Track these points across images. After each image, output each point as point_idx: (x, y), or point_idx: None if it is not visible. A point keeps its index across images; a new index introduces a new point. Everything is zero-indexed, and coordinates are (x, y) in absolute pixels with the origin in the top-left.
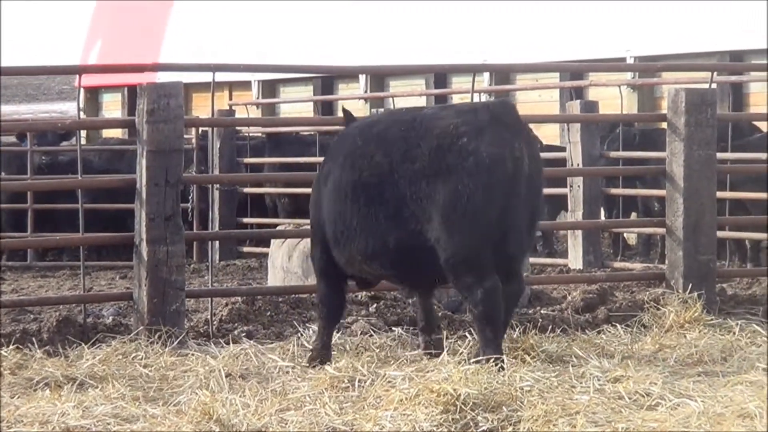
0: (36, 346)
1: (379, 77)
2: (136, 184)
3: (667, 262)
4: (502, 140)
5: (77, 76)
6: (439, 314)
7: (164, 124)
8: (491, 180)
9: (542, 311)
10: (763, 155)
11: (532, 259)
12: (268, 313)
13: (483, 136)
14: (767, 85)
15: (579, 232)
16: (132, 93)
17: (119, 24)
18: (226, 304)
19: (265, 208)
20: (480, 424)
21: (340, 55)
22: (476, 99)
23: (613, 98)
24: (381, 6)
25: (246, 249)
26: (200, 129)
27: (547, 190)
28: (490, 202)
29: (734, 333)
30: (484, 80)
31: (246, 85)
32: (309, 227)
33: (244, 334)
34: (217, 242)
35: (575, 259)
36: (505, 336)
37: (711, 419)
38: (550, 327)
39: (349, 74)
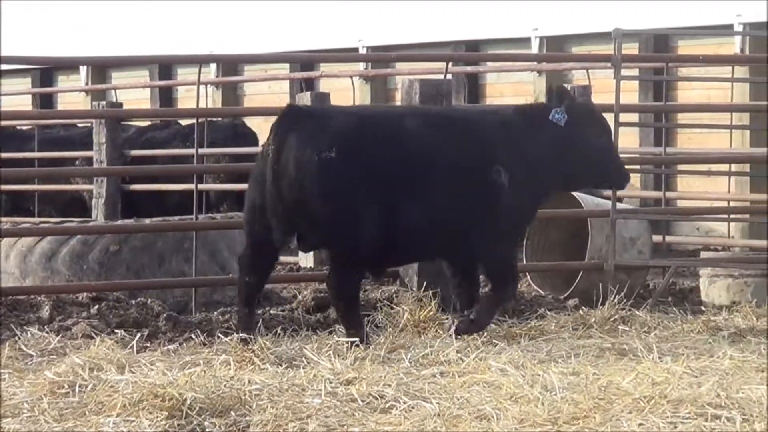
0: None
1: (100, 68)
2: None
3: None
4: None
5: None
6: (164, 315)
7: None
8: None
9: (271, 311)
10: None
11: None
12: None
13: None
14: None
15: None
16: None
17: None
18: None
19: None
20: (207, 430)
21: (59, 46)
22: (202, 91)
23: (346, 89)
24: None
25: None
26: None
27: None
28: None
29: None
30: (210, 71)
31: None
32: (27, 225)
33: None
34: None
35: (306, 257)
36: (236, 339)
37: (447, 421)
38: (279, 327)
39: (69, 65)
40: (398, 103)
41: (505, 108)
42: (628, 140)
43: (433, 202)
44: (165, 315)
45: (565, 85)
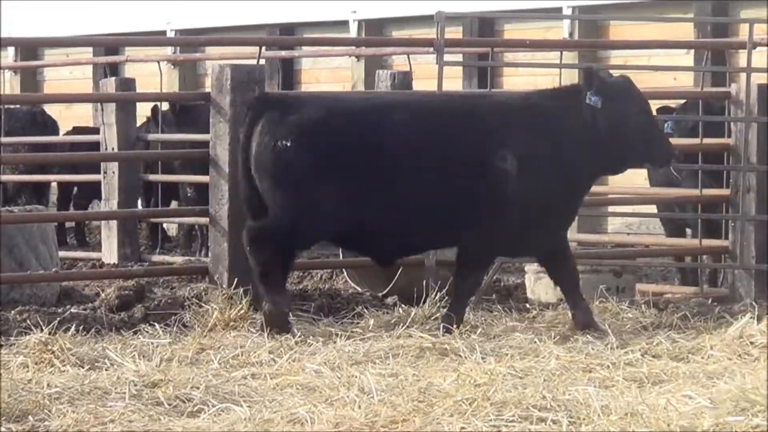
0: None
1: None
2: None
3: (210, 254)
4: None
5: None
6: None
7: None
8: None
9: (73, 310)
10: None
11: (61, 253)
12: None
13: None
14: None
15: (114, 223)
16: None
17: None
18: None
19: None
20: None
21: None
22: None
23: (153, 75)
24: None
25: None
26: None
27: (79, 177)
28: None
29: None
30: (8, 55)
31: None
32: None
33: None
34: None
35: (110, 253)
36: (35, 339)
37: (258, 425)
38: (81, 327)
39: None
40: (208, 89)
41: (517, 93)
42: None
43: (406, 194)
44: None
45: (594, 67)
